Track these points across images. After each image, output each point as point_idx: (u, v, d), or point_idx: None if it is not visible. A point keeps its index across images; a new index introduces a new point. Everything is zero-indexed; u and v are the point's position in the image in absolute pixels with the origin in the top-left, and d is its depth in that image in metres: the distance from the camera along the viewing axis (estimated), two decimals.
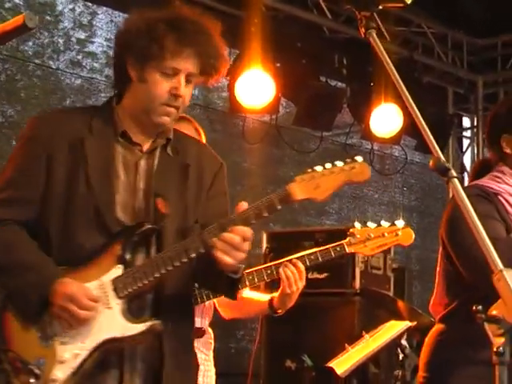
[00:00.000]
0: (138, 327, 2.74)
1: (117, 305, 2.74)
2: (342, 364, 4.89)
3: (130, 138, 2.89)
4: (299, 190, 2.75)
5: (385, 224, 3.97)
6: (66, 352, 2.70)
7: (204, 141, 3.61)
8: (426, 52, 7.87)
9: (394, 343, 5.04)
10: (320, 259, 3.90)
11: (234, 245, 2.69)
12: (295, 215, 9.40)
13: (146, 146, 2.91)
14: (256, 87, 6.66)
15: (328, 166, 2.78)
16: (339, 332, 5.82)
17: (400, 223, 3.98)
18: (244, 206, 2.73)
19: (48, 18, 12.42)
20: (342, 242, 3.92)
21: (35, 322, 2.74)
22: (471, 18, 7.75)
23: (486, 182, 3.32)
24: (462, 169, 9.04)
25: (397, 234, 3.96)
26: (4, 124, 8.75)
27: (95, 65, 11.85)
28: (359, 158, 2.78)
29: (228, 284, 2.87)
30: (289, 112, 7.77)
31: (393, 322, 5.07)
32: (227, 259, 2.69)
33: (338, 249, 3.92)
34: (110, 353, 2.75)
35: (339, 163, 2.78)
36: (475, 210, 3.47)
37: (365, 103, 7.21)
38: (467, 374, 3.21)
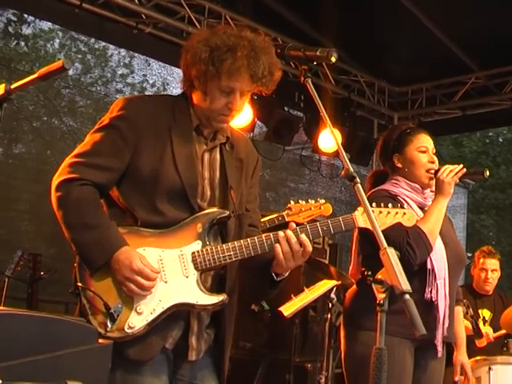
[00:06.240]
0: (212, 299, 2.36)
1: (193, 275, 2.35)
2: (288, 308, 4.90)
3: (202, 132, 2.49)
4: (361, 219, 2.46)
5: (311, 201, 3.92)
6: (144, 305, 2.30)
7: None
8: (359, 94, 7.85)
9: (326, 296, 5.05)
10: (267, 226, 3.89)
11: (296, 252, 2.38)
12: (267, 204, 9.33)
13: (208, 140, 2.51)
14: None
15: (383, 206, 2.58)
16: (289, 287, 5.78)
17: (322, 200, 3.93)
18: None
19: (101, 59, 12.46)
20: (283, 213, 3.94)
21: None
22: (391, 73, 7.78)
23: (387, 187, 3.35)
24: None
25: (320, 208, 3.92)
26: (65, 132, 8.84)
27: (135, 93, 11.91)
28: (410, 210, 2.59)
29: (268, 280, 2.48)
30: (262, 131, 7.79)
31: (325, 281, 5.08)
32: (282, 261, 2.37)
33: (280, 218, 3.94)
34: (179, 311, 2.37)
35: (394, 208, 2.56)
36: (385, 206, 3.51)
37: (315, 127, 7.20)
38: (371, 318, 3.26)
